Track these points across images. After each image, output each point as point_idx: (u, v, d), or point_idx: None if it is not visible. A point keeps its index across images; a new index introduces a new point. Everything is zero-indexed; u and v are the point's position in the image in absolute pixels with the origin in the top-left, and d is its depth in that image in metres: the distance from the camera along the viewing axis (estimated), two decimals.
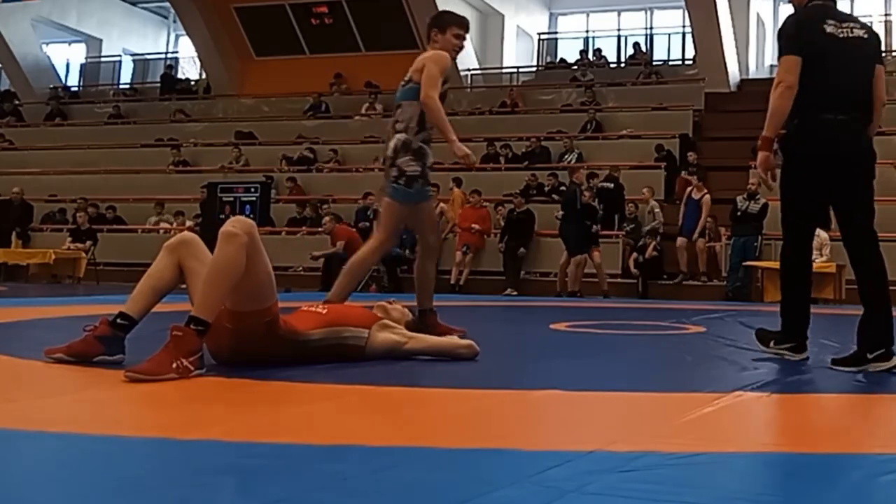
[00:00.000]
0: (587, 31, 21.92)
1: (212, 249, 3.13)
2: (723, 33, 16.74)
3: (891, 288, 3.80)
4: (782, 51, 3.82)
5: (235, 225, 3.08)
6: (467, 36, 5.04)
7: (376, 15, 19.33)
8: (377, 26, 19.45)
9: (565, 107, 17.99)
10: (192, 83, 22.77)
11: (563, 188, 13.68)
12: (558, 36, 22.31)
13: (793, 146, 3.86)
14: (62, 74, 24.32)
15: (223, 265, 3.03)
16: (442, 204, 13.61)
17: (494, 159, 15.89)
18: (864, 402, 3.02)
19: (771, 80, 3.95)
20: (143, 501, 1.65)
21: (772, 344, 4.13)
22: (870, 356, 3.68)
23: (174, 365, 2.90)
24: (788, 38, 3.85)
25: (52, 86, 22.85)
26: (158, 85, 22.79)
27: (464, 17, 5.04)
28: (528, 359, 4.34)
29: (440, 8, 18.47)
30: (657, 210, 13.15)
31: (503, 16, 20.63)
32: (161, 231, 15.08)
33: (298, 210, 14.91)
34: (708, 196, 12.81)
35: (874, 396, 3.11)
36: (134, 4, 24.74)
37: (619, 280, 12.72)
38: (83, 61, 24.82)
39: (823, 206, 3.99)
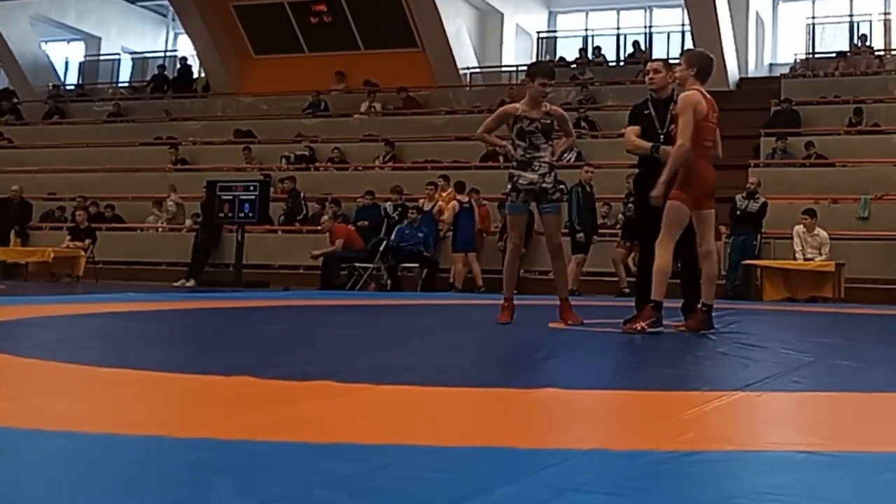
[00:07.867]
0: (586, 30, 21.92)
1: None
2: (722, 32, 16.74)
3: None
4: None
5: None
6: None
7: (375, 13, 19.32)
8: (376, 24, 19.44)
9: (564, 105, 17.97)
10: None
11: (561, 187, 13.60)
12: (557, 34, 22.30)
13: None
14: (61, 73, 24.30)
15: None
16: (440, 203, 13.61)
17: (494, 158, 15.87)
18: (864, 401, 3.02)
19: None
20: (142, 500, 1.65)
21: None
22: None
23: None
24: None
25: (50, 84, 22.83)
26: (172, 80, 22.70)
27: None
28: (526, 357, 4.34)
29: (439, 7, 18.50)
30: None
31: (502, 14, 20.61)
32: (159, 229, 15.14)
33: (284, 208, 14.79)
34: None
35: (874, 395, 3.11)
36: (133, 2, 24.71)
37: (615, 279, 12.68)
38: (82, 59, 24.81)
39: None
